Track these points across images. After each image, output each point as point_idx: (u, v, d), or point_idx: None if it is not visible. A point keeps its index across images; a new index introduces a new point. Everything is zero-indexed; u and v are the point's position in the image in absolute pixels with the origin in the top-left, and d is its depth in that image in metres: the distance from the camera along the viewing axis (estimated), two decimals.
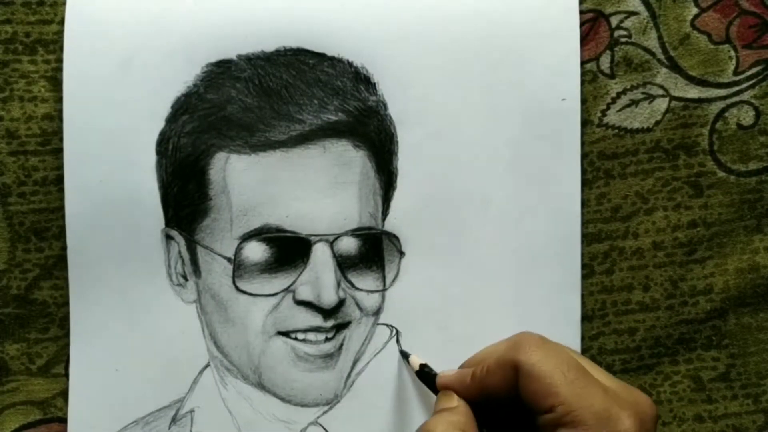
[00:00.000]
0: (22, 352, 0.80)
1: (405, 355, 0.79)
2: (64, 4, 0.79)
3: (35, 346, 0.80)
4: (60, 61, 0.79)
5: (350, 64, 0.78)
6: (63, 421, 0.81)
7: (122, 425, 0.80)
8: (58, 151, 0.79)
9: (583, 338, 0.81)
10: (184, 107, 0.78)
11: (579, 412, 0.64)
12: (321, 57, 0.78)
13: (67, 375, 0.80)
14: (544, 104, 0.79)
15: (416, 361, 0.78)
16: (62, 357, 0.80)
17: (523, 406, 0.68)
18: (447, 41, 0.79)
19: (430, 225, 0.80)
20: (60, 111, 0.79)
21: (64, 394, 0.80)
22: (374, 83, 0.79)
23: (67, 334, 0.80)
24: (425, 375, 0.77)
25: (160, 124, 0.78)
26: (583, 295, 0.81)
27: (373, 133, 0.78)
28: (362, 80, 0.78)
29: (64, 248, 0.79)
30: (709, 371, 0.82)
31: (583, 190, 0.81)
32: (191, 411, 0.80)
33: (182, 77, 0.78)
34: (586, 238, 0.81)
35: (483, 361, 0.71)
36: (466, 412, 0.71)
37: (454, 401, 0.72)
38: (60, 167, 0.79)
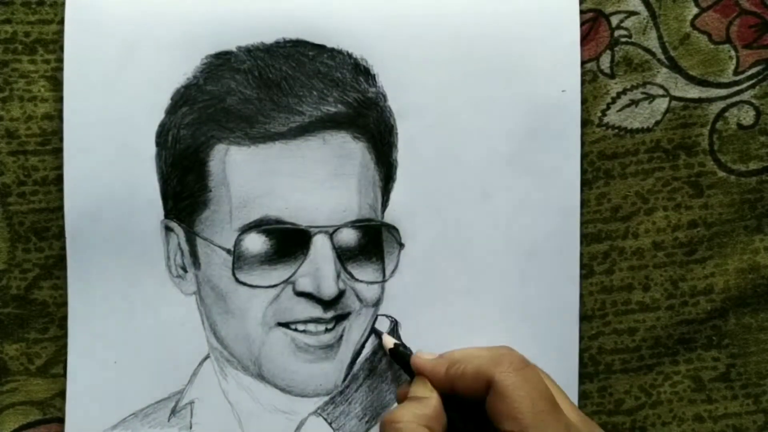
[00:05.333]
0: (21, 352, 0.80)
1: (377, 334, 0.80)
2: (63, 4, 0.79)
3: (34, 346, 0.80)
4: (60, 60, 0.79)
5: (350, 56, 0.79)
6: (62, 421, 0.80)
7: (121, 417, 0.80)
8: (58, 151, 0.79)
9: (582, 338, 0.81)
10: (183, 99, 0.78)
11: None
12: (320, 48, 0.79)
13: (66, 375, 0.80)
14: (544, 97, 0.80)
15: (389, 340, 0.78)
16: (61, 357, 0.80)
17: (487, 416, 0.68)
18: (447, 33, 0.79)
19: (430, 217, 0.80)
20: (60, 111, 0.79)
21: (64, 394, 0.80)
22: (374, 75, 0.79)
23: (66, 335, 0.80)
24: (399, 355, 0.77)
25: (160, 116, 0.78)
26: (582, 295, 0.81)
27: (372, 124, 0.79)
28: (362, 72, 0.79)
29: (63, 248, 0.79)
30: (710, 371, 0.82)
31: (583, 190, 0.81)
32: (191, 402, 0.80)
33: (182, 69, 0.78)
34: (586, 238, 0.81)
35: (461, 362, 0.71)
36: (436, 405, 0.70)
37: (428, 391, 0.72)
38: (60, 167, 0.79)
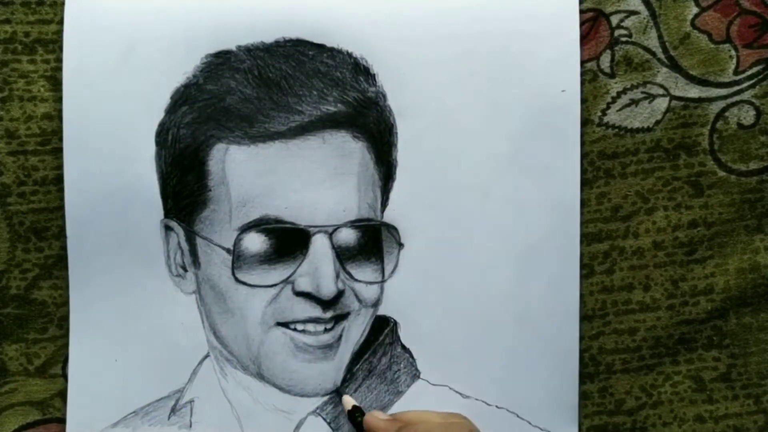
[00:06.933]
0: (20, 353, 0.80)
1: (339, 394, 0.80)
2: (63, 4, 0.79)
3: (33, 347, 0.80)
4: (59, 60, 0.79)
5: (350, 55, 0.79)
6: (62, 421, 0.80)
7: (121, 415, 0.80)
8: (58, 151, 0.79)
9: (583, 338, 0.81)
10: (183, 98, 0.78)
11: None
12: (320, 48, 0.79)
13: (64, 375, 0.80)
14: (543, 97, 0.80)
15: (349, 401, 0.78)
16: (60, 357, 0.80)
17: None
18: (447, 33, 0.79)
19: (430, 217, 0.80)
20: (59, 110, 0.79)
21: (63, 394, 0.80)
22: (374, 74, 0.79)
23: (65, 334, 0.80)
24: (353, 419, 0.77)
25: (160, 115, 0.78)
26: (583, 295, 0.81)
27: (372, 124, 0.79)
28: (362, 71, 0.79)
29: (63, 248, 0.79)
30: (710, 371, 0.82)
31: (583, 190, 0.81)
32: (191, 401, 0.80)
33: (182, 68, 0.78)
34: (586, 238, 0.81)
35: (410, 425, 0.73)
36: None
37: None
38: (59, 167, 0.79)
